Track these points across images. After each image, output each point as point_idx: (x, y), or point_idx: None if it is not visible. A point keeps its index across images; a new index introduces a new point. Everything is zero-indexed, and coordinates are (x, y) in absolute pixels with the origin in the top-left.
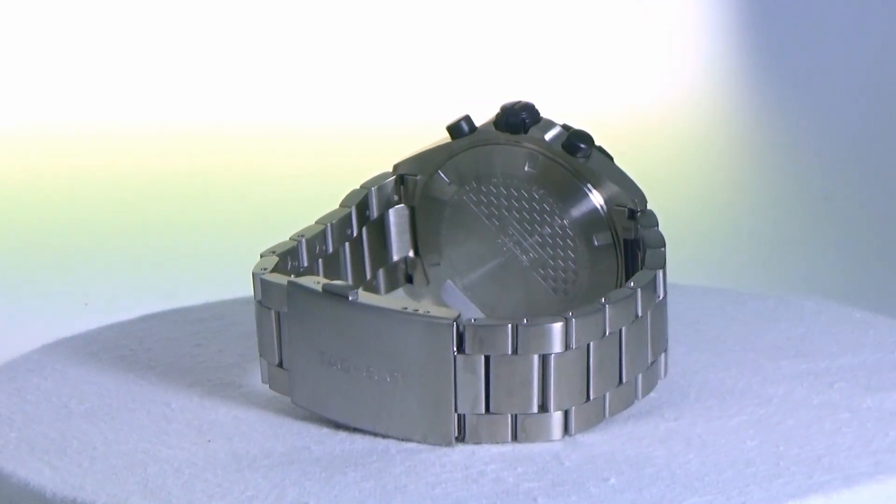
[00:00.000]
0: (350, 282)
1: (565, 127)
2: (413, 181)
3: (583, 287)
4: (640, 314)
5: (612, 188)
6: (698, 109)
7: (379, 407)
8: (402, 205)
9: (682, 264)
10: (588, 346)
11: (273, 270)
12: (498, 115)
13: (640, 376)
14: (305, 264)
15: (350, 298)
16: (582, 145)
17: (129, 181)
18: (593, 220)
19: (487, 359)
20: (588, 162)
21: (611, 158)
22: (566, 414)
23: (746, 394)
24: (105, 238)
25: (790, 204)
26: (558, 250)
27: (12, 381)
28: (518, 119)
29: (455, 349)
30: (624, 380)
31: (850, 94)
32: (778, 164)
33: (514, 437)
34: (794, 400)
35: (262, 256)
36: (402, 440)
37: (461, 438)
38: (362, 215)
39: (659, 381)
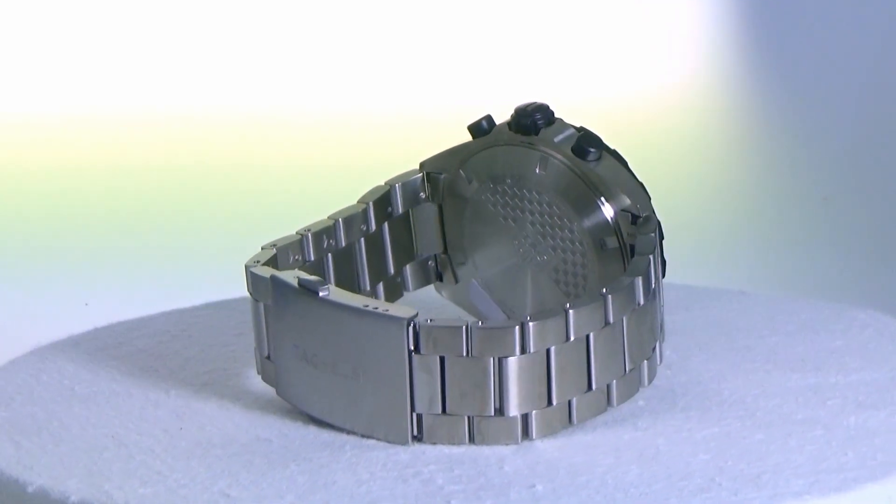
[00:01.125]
0: (367, 277)
1: (578, 129)
2: (439, 179)
3: (592, 290)
4: (611, 320)
5: (619, 193)
6: (697, 112)
7: (344, 403)
8: (430, 202)
9: (682, 264)
10: (549, 350)
11: (270, 263)
12: (512, 117)
13: (614, 383)
14: (312, 258)
15: (320, 294)
16: (591, 149)
17: (136, 175)
18: (600, 224)
19: (443, 359)
20: (598, 165)
21: (621, 160)
22: (526, 418)
23: (735, 406)
24: (111, 234)
25: (790, 204)
26: (568, 253)
27: (14, 376)
28: (529, 121)
29: (412, 348)
30: (593, 386)
31: (849, 94)
32: (778, 164)
33: (472, 440)
34: (778, 414)
35: (262, 249)
36: (365, 437)
37: (419, 438)
38: (382, 211)
39: (643, 389)
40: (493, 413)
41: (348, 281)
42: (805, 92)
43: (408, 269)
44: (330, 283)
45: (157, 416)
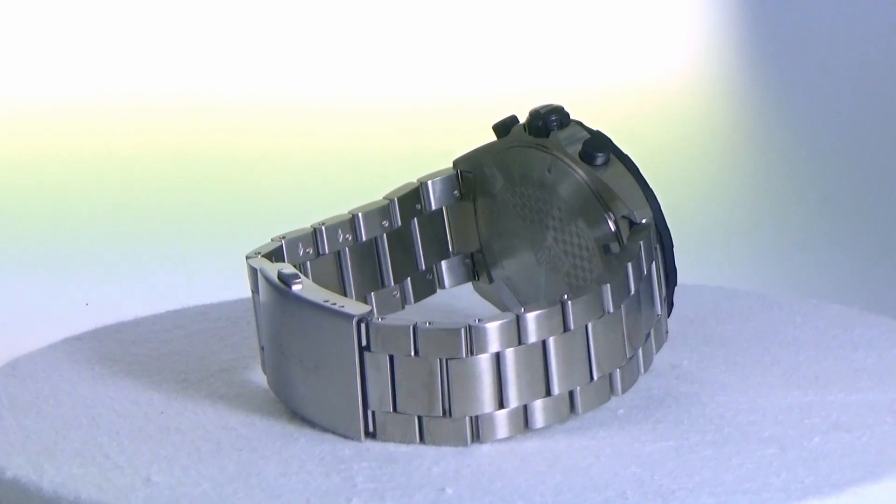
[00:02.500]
0: (391, 273)
1: (593, 132)
2: (470, 177)
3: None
4: (571, 327)
5: (617, 199)
6: (696, 111)
7: (309, 396)
8: (466, 200)
9: (681, 264)
10: (498, 354)
11: (272, 255)
12: (527, 119)
13: (577, 390)
14: (326, 251)
15: (292, 287)
16: (598, 154)
17: (137, 172)
18: (603, 230)
19: (393, 358)
20: (605, 170)
21: (630, 164)
22: (474, 420)
23: (710, 421)
24: (111, 234)
25: (790, 204)
26: (577, 258)
27: (14, 371)
28: (541, 123)
29: (363, 346)
30: (554, 392)
31: (850, 94)
32: (778, 163)
33: (422, 439)
34: (745, 432)
35: (271, 240)
36: (326, 430)
37: (374, 434)
38: (409, 207)
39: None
40: (441, 414)
41: (369, 276)
42: (805, 91)
43: (443, 265)
44: (348, 277)
45: (147, 403)
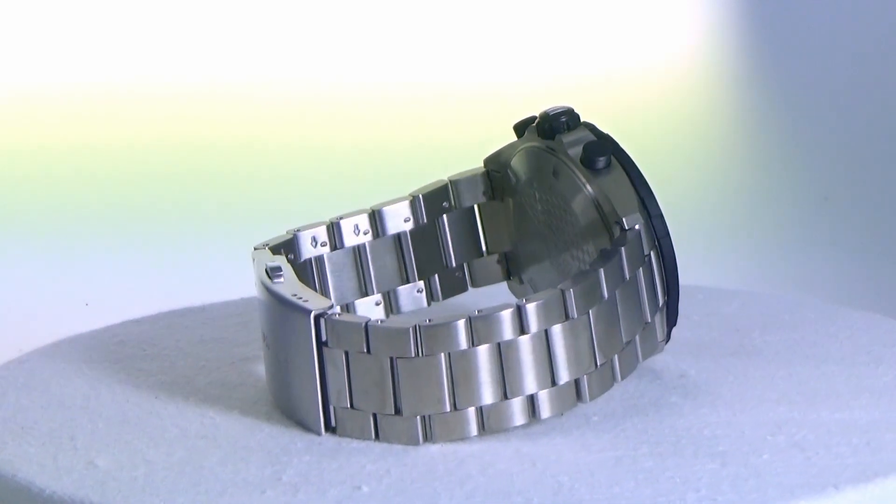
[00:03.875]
0: (415, 268)
1: (597, 134)
2: (497, 176)
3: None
4: (534, 330)
5: (610, 206)
6: (694, 112)
7: (282, 389)
8: (495, 199)
9: (680, 264)
10: (442, 355)
11: (281, 248)
12: (537, 120)
13: (538, 395)
14: (343, 245)
15: (273, 280)
16: (599, 158)
17: (143, 165)
18: (599, 232)
19: (348, 354)
20: (605, 174)
21: (630, 166)
22: (427, 419)
23: (674, 433)
24: (111, 233)
25: (790, 204)
26: (580, 262)
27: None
28: (548, 126)
29: (322, 341)
30: (506, 397)
31: (849, 93)
32: (778, 163)
33: (377, 436)
34: (701, 447)
35: (286, 233)
36: (297, 424)
37: (335, 429)
38: (435, 205)
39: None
40: (392, 412)
41: (391, 271)
42: (805, 90)
43: (475, 264)
44: (369, 271)
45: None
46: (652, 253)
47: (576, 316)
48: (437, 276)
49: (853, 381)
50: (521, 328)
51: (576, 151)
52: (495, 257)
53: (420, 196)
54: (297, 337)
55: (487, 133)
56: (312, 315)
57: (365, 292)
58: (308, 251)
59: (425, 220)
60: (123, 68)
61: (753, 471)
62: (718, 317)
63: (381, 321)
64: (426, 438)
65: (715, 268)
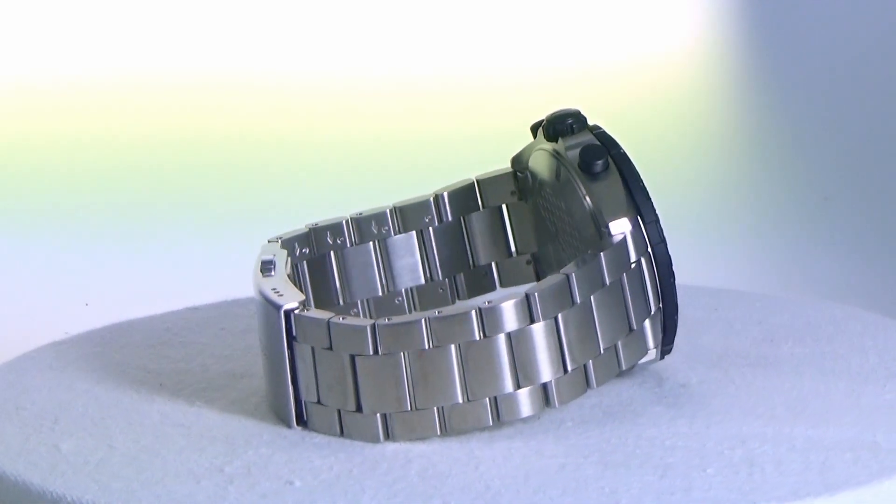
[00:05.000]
0: (438, 266)
1: (600, 136)
2: (521, 177)
3: None
4: (502, 331)
5: (601, 208)
6: (692, 112)
7: (267, 383)
8: (521, 200)
9: (678, 263)
10: (400, 354)
11: (301, 244)
12: (544, 123)
13: (498, 398)
14: (357, 241)
15: (262, 276)
16: (596, 162)
17: (147, 163)
18: (593, 236)
19: (314, 350)
20: (603, 178)
21: (628, 169)
22: (386, 418)
23: (635, 443)
24: (112, 231)
25: (790, 204)
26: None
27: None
28: (551, 129)
29: (291, 336)
30: (469, 399)
31: (849, 93)
32: (778, 163)
33: (342, 432)
34: (651, 457)
35: (305, 227)
36: (277, 417)
37: (306, 424)
38: (461, 203)
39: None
40: (353, 409)
41: (410, 268)
42: (805, 90)
43: (504, 264)
44: (388, 269)
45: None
46: (643, 259)
47: (541, 320)
48: (462, 274)
49: (852, 398)
50: (484, 330)
51: (574, 155)
52: (525, 258)
53: (445, 194)
54: (272, 331)
55: (487, 131)
56: (283, 311)
57: (387, 289)
58: (327, 246)
59: (450, 219)
60: (130, 61)
61: (686, 484)
62: (763, 325)
63: (344, 318)
64: (387, 436)
65: (715, 268)
